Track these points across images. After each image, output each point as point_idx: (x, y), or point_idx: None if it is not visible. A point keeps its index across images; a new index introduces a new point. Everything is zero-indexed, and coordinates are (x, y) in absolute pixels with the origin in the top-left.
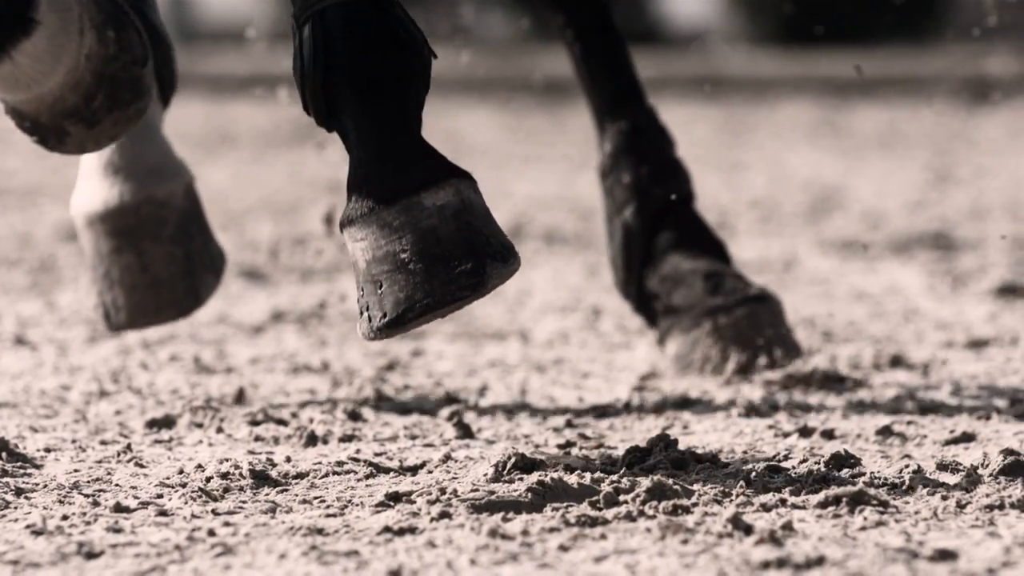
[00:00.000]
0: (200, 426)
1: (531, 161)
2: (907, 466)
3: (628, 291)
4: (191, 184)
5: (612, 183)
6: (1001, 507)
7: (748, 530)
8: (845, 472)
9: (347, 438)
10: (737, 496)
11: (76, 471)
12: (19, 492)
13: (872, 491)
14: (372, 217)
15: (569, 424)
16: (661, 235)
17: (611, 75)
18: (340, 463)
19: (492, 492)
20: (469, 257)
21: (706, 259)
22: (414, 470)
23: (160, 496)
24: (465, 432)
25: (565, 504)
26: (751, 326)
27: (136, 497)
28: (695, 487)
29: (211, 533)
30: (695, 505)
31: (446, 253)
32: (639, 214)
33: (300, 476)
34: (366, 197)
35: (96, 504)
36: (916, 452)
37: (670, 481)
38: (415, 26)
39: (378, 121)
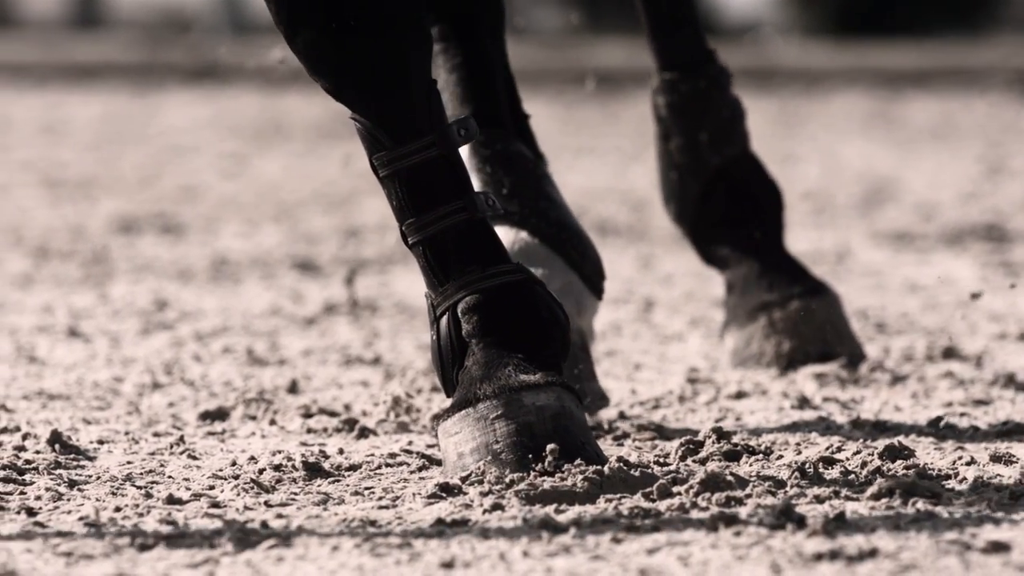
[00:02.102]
0: (253, 418)
1: (583, 153)
2: (960, 458)
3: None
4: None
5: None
6: None
7: (801, 522)
8: (898, 464)
9: (399, 430)
10: (790, 488)
11: (129, 463)
12: (72, 484)
13: (925, 483)
14: (469, 412)
15: (622, 416)
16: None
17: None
18: (392, 455)
19: (544, 484)
20: (562, 457)
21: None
22: None
23: (213, 488)
24: None
25: (618, 496)
26: (806, 320)
27: (189, 489)
28: (748, 479)
29: (264, 525)
30: (748, 497)
31: (539, 448)
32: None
33: (353, 468)
34: (465, 397)
35: (149, 496)
36: (969, 444)
37: (723, 473)
38: (555, 305)
39: (489, 346)
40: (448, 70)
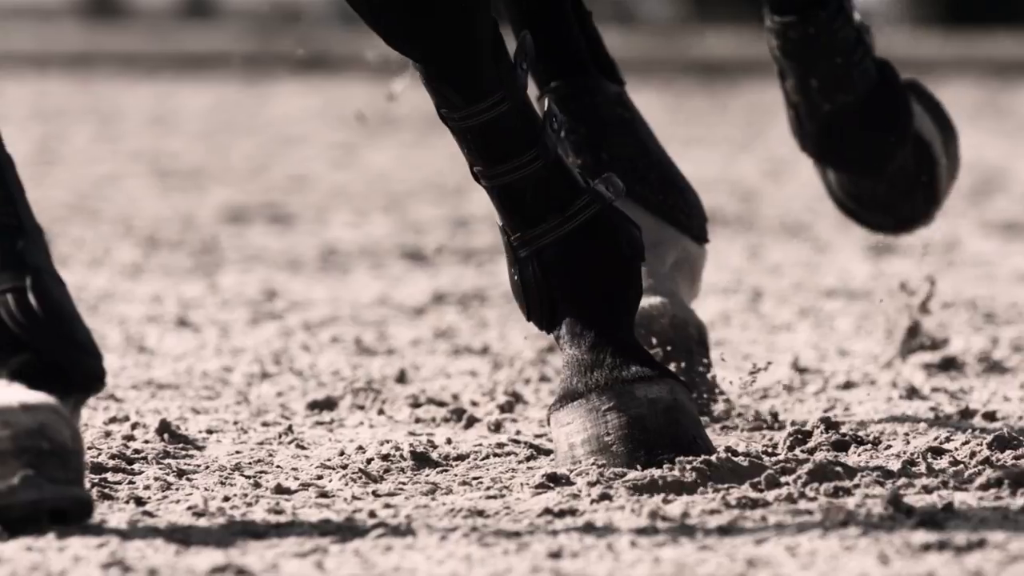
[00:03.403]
0: (361, 408)
1: (692, 143)
2: None
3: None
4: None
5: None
6: None
7: (909, 512)
8: (1008, 454)
9: (508, 420)
10: (898, 478)
11: (238, 453)
12: (181, 474)
13: None
14: (581, 403)
15: (730, 406)
16: None
17: None
18: (500, 445)
19: (653, 474)
20: (672, 450)
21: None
22: None
23: (321, 478)
24: None
25: (726, 486)
26: None
27: (297, 479)
28: (856, 469)
29: (372, 515)
30: (856, 487)
31: (650, 441)
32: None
33: (460, 458)
34: (576, 387)
35: (257, 486)
36: None
37: (831, 463)
38: (634, 235)
39: (592, 323)
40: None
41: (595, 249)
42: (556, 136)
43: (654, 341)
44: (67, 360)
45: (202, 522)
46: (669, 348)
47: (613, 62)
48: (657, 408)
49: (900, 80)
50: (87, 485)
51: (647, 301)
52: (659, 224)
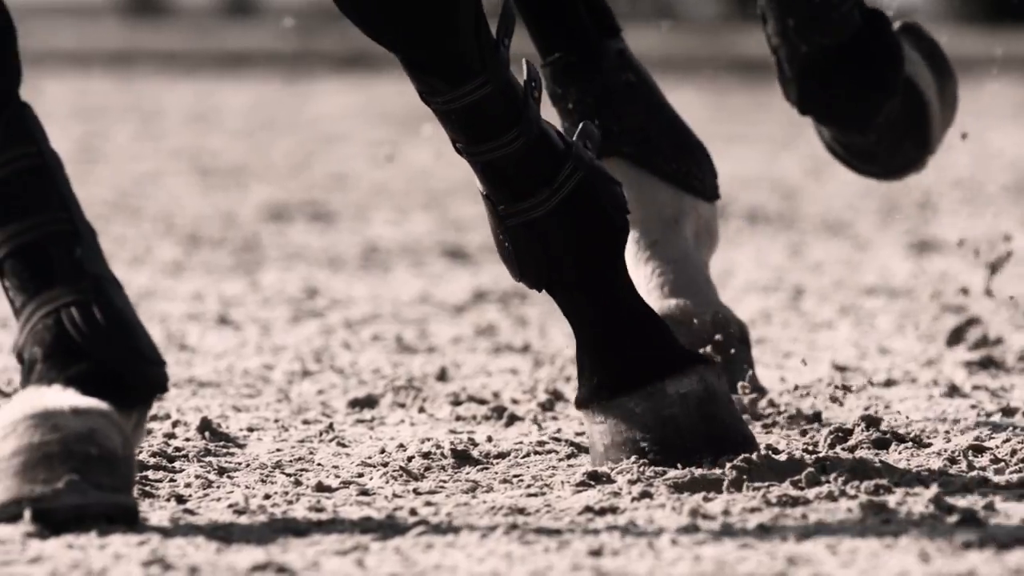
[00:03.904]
0: (402, 406)
1: (734, 140)
2: None
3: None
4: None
5: None
6: None
7: (950, 510)
8: None
9: (548, 418)
10: (939, 476)
11: (278, 451)
12: (222, 471)
13: None
14: (613, 403)
15: (771, 404)
16: None
17: None
18: (541, 443)
19: (693, 472)
20: (708, 450)
21: None
22: None
23: (361, 475)
24: None
25: (767, 484)
26: None
27: (338, 476)
28: (897, 467)
29: (412, 513)
30: (897, 485)
31: (686, 445)
32: None
33: (501, 455)
34: (606, 378)
35: (298, 484)
36: None
37: (872, 461)
38: (616, 193)
39: (606, 300)
40: None
41: (582, 215)
42: (537, 105)
43: (696, 340)
44: (130, 371)
45: (243, 520)
46: (710, 348)
47: (606, 9)
48: (689, 405)
49: (891, 29)
50: (134, 491)
51: (687, 300)
52: (676, 195)
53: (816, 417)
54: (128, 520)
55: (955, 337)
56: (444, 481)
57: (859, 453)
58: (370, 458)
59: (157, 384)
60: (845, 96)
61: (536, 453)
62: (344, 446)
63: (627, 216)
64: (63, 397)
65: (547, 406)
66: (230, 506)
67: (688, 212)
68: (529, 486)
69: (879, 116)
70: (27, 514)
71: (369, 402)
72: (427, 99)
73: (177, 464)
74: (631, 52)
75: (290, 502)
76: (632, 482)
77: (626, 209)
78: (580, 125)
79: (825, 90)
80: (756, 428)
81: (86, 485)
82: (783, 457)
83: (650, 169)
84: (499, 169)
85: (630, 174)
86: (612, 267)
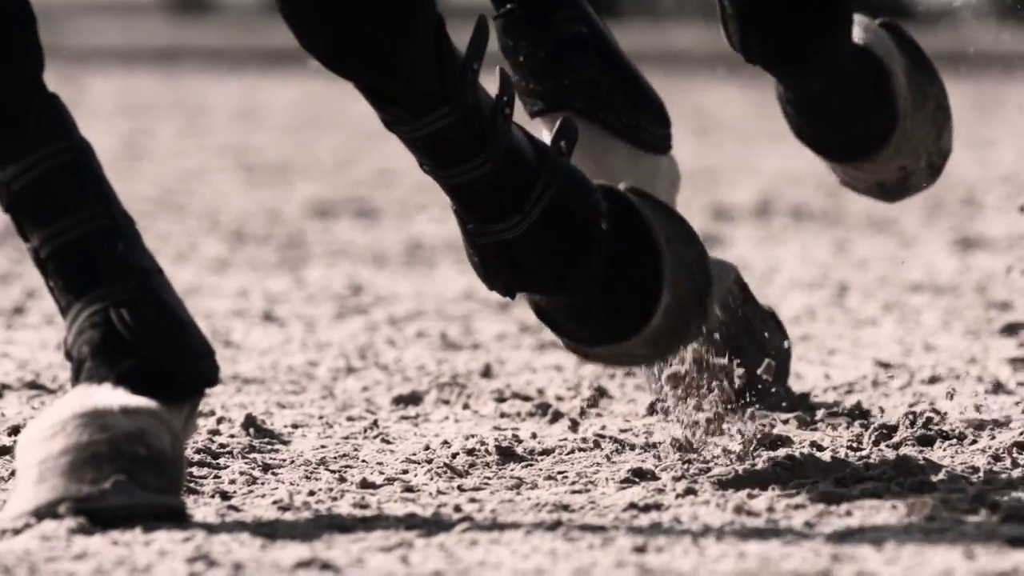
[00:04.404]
0: (446, 402)
1: (778, 137)
2: None
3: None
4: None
5: None
6: None
7: (994, 507)
8: None
9: (593, 414)
10: (984, 473)
11: (323, 447)
12: (266, 468)
13: None
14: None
15: (815, 400)
16: None
17: None
18: (585, 439)
19: (738, 468)
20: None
21: None
22: (659, 446)
23: (406, 472)
24: None
25: (811, 480)
26: None
27: (382, 473)
28: (942, 464)
29: (457, 509)
30: (941, 482)
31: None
32: None
33: (545, 452)
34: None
35: (342, 480)
36: None
37: (916, 458)
38: (592, 201)
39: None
40: None
41: (553, 232)
42: (507, 123)
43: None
44: (180, 367)
45: (287, 516)
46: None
47: None
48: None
49: None
50: (182, 492)
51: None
52: (632, 153)
53: (861, 414)
54: (175, 521)
55: (1009, 330)
56: (488, 478)
57: (903, 450)
58: (414, 455)
59: (207, 378)
60: (783, 28)
61: (580, 450)
62: (388, 443)
63: (603, 215)
64: (113, 396)
65: (591, 402)
66: (274, 503)
67: (648, 171)
68: (573, 483)
69: (821, 56)
70: (69, 513)
71: (413, 399)
72: (391, 127)
73: (222, 461)
74: (585, 3)
75: (334, 499)
76: (676, 479)
77: (602, 215)
78: (559, 122)
79: (764, 24)
80: (793, 425)
81: (133, 486)
82: (827, 454)
83: (601, 124)
84: (468, 192)
85: (583, 134)
86: (585, 269)
